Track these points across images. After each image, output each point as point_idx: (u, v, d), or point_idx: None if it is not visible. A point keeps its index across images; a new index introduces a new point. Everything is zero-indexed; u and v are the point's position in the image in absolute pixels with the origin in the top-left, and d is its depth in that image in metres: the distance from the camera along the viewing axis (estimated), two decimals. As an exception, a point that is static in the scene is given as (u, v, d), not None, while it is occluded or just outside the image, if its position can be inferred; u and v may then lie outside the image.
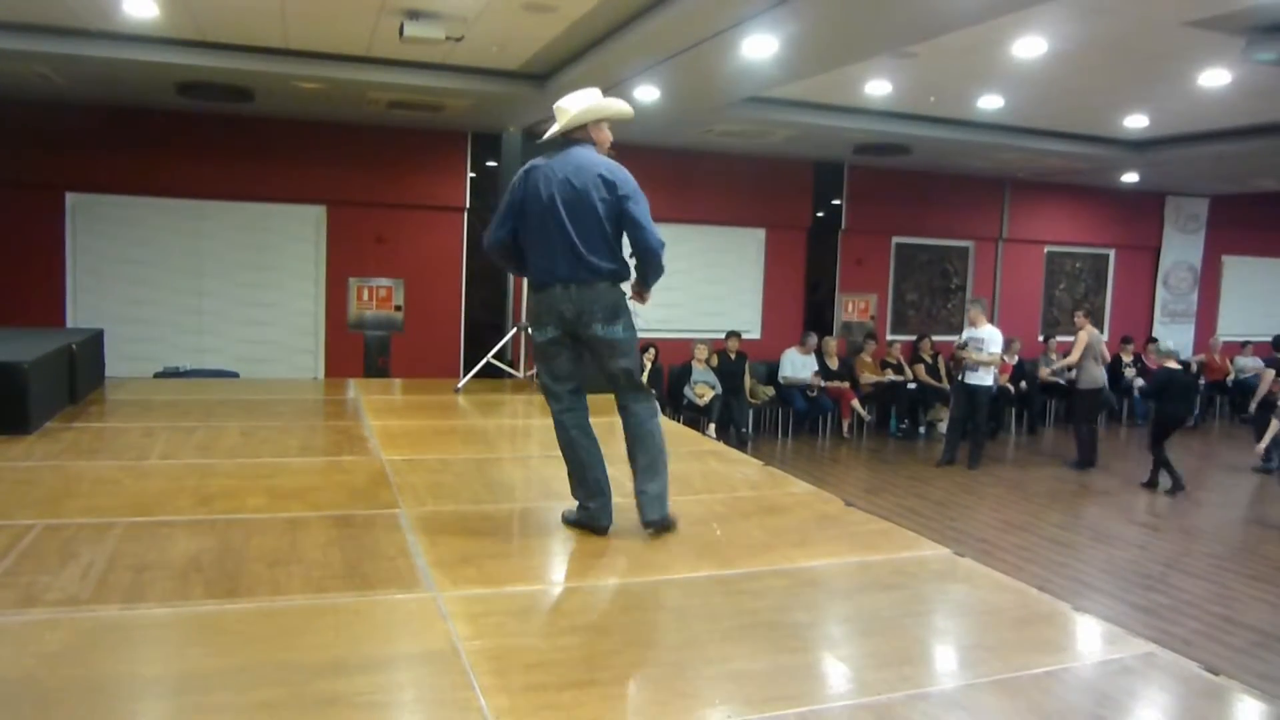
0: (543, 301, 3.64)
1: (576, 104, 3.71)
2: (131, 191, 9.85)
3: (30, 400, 5.05)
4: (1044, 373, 10.74)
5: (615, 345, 3.63)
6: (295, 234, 10.57)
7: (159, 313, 10.08)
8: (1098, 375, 10.43)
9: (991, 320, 12.35)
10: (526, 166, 3.74)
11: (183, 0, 6.36)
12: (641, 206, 3.60)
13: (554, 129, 3.75)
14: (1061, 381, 13.08)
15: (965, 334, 10.35)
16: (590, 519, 3.73)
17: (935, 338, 12.91)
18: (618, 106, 3.81)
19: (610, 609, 3.11)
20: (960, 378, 10.43)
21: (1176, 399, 9.39)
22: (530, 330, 3.65)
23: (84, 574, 3.04)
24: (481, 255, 10.87)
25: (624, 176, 3.62)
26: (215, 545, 3.37)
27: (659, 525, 3.67)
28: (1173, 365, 9.54)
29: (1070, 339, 13.61)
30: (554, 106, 3.77)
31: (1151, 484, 9.46)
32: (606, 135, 3.76)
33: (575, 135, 3.72)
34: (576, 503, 3.79)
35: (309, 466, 4.77)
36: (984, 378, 10.12)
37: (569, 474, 3.77)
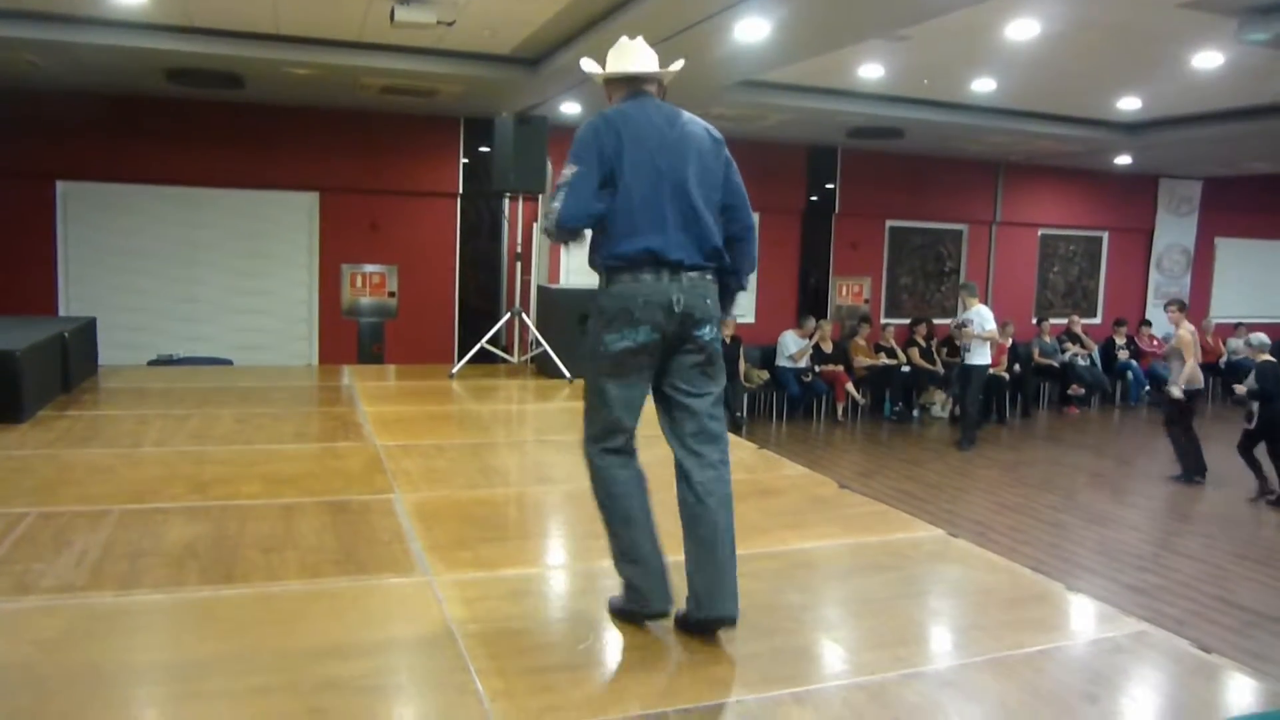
0: (641, 292, 2.64)
1: (651, 54, 2.94)
2: (123, 179, 9.81)
3: (23, 388, 5.03)
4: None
5: (718, 357, 2.75)
6: (288, 221, 10.53)
7: (152, 300, 10.05)
8: (1197, 376, 9.21)
9: (985, 303, 12.38)
10: (609, 115, 2.78)
11: (171, -15, 6.32)
12: (736, 170, 2.89)
13: (667, 69, 2.95)
14: (1055, 364, 13.12)
15: (960, 317, 10.41)
16: (639, 602, 2.71)
17: (932, 320, 12.92)
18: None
19: (604, 592, 3.11)
20: (961, 361, 10.49)
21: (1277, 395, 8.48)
22: (604, 334, 2.67)
23: (79, 561, 3.04)
24: (475, 240, 10.98)
25: (722, 138, 2.90)
26: (210, 532, 3.38)
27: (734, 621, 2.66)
28: (1268, 358, 8.60)
29: (1062, 321, 13.76)
30: (623, 41, 2.95)
31: (1265, 493, 8.60)
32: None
33: (648, 89, 2.90)
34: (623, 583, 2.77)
35: (304, 453, 4.77)
36: (978, 357, 10.17)
37: (612, 539, 2.78)
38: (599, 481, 2.76)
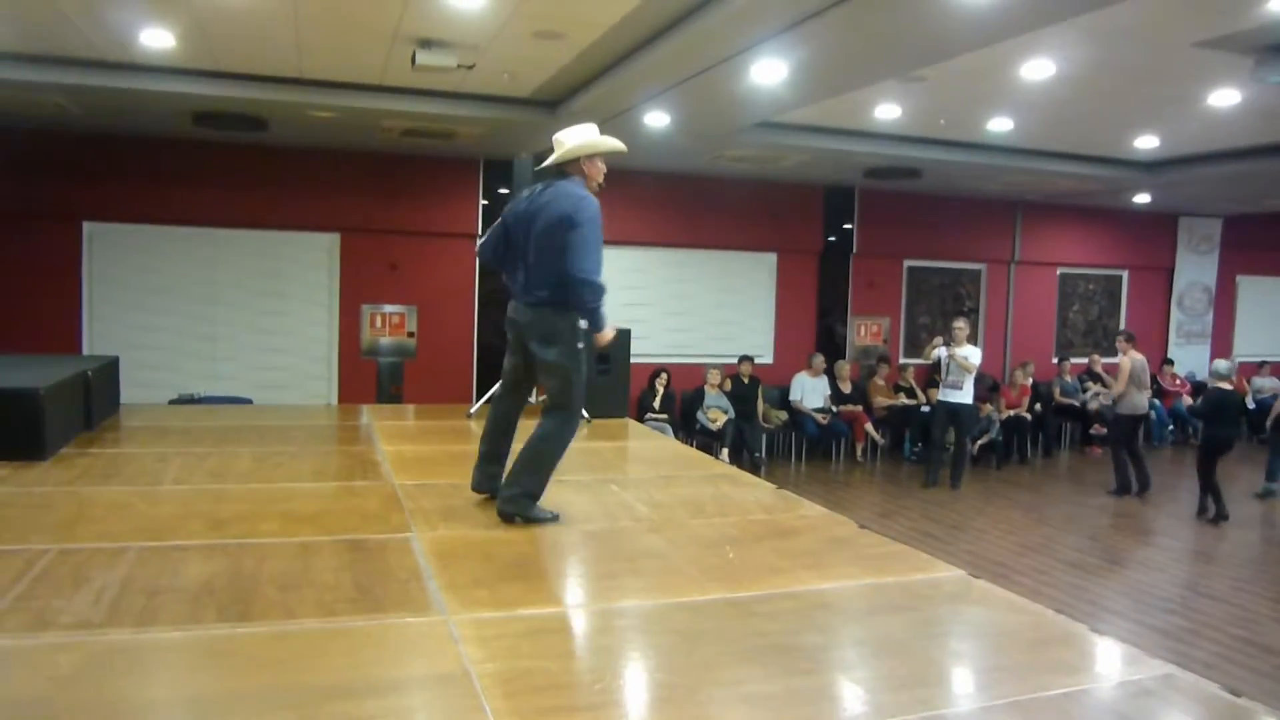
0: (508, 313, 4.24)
1: (572, 138, 4.03)
2: (147, 220, 9.95)
3: (46, 426, 5.07)
4: (1092, 403, 10.23)
5: (546, 366, 4.10)
6: (309, 261, 10.64)
7: (174, 340, 10.15)
8: (1139, 402, 9.99)
9: (1005, 342, 12.29)
10: (523, 193, 4.19)
11: (199, 31, 6.45)
12: (582, 234, 3.86)
13: (550, 159, 4.09)
14: (1076, 404, 13.03)
15: (938, 351, 10.20)
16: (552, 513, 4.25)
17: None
18: (610, 143, 4.12)
19: (622, 631, 3.10)
20: (940, 396, 10.34)
21: (1227, 421, 9.20)
22: (584, 345, 4.12)
23: (97, 598, 3.04)
24: (494, 281, 11.04)
25: (584, 209, 3.90)
26: (227, 569, 3.38)
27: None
28: (1225, 386, 9.23)
29: (1083, 361, 13.69)
30: (553, 138, 4.10)
31: (1203, 511, 9.11)
32: (599, 169, 4.11)
33: (568, 169, 4.05)
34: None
35: (321, 491, 4.78)
36: (965, 396, 10.06)
37: (552, 472, 4.24)
38: (572, 432, 4.14)
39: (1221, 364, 9.40)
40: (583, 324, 4.06)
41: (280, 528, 3.97)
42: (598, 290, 3.94)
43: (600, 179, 4.13)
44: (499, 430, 4.41)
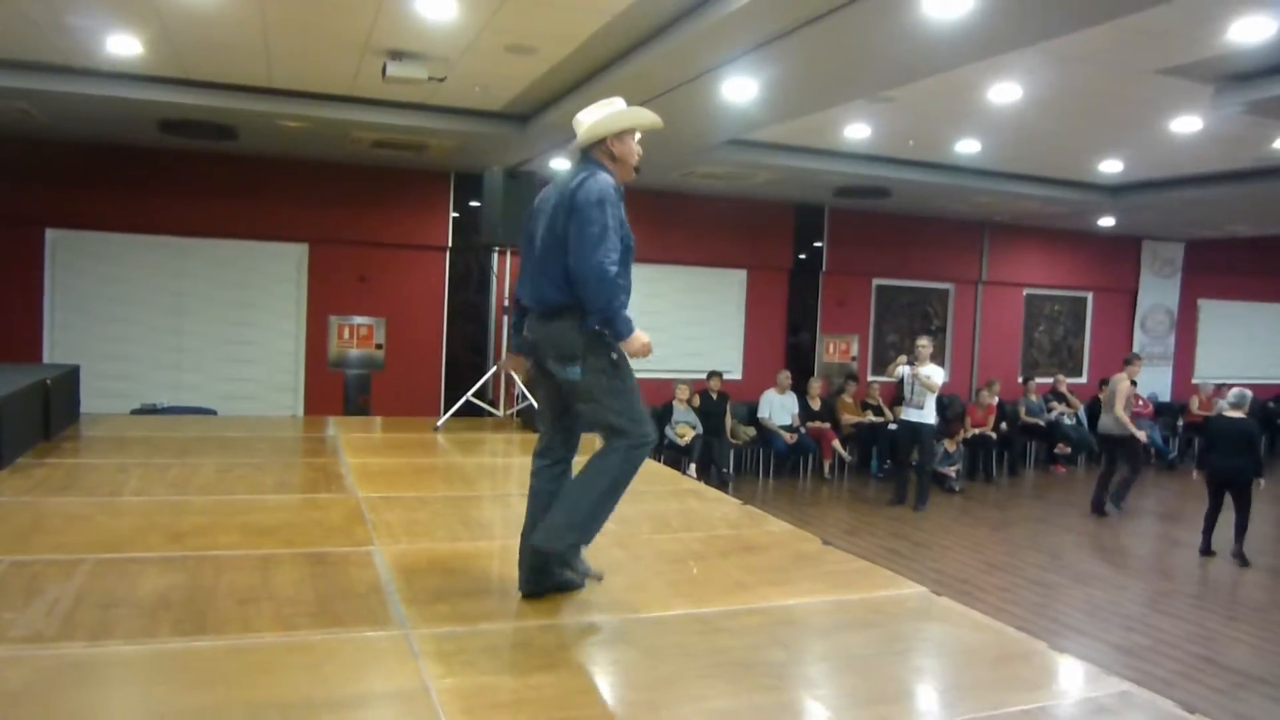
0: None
1: (592, 115, 3.41)
2: (112, 228, 9.83)
3: (2, 435, 4.99)
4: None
5: (573, 387, 3.29)
6: (276, 272, 10.56)
7: (138, 349, 10.02)
8: (1103, 422, 10.62)
9: (972, 361, 12.37)
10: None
11: (167, 38, 6.39)
12: (581, 218, 3.16)
13: (573, 144, 3.50)
14: (1041, 423, 13.16)
15: (901, 369, 10.13)
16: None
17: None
18: (642, 116, 3.48)
19: (584, 647, 3.08)
20: (903, 415, 10.36)
21: (1229, 451, 8.65)
22: None
23: (50, 610, 2.99)
24: (464, 294, 11.02)
25: (587, 189, 3.21)
26: (185, 582, 3.33)
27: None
28: (1232, 414, 8.80)
29: (1048, 380, 13.86)
30: (574, 120, 3.50)
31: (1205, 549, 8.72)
32: (632, 149, 3.46)
33: (591, 153, 3.41)
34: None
35: (284, 504, 4.72)
36: (927, 415, 10.09)
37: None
38: (633, 466, 3.32)
39: (1234, 392, 9.05)
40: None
41: (241, 540, 3.92)
42: (609, 287, 3.12)
43: (634, 161, 3.47)
44: (543, 507, 3.40)
